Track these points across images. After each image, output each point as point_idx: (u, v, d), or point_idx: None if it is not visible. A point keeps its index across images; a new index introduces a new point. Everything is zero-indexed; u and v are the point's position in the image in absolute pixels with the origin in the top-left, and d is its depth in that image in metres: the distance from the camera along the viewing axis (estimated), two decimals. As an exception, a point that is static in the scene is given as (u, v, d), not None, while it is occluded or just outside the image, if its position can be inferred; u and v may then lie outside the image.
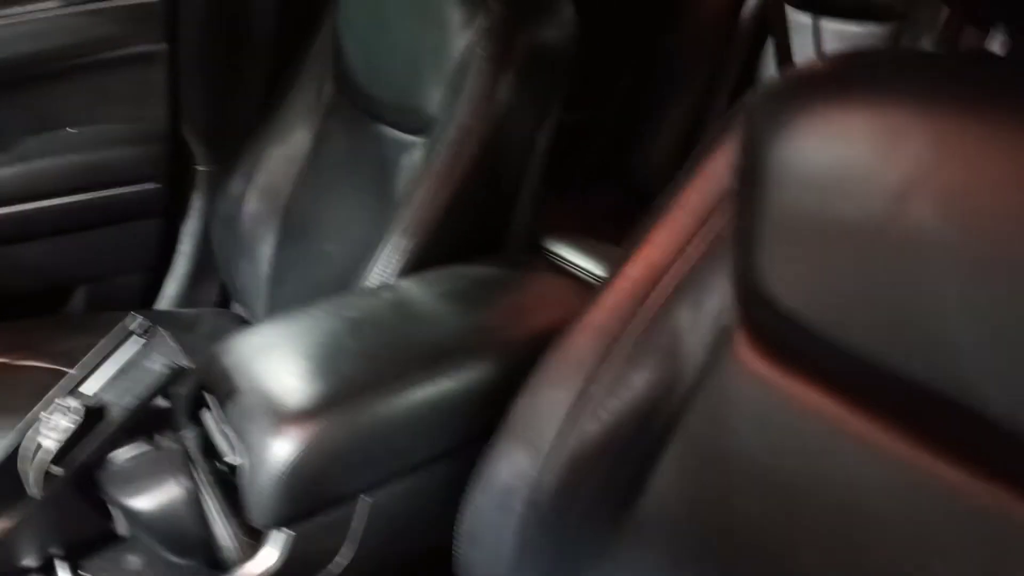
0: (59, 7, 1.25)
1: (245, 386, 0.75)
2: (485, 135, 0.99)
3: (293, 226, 1.27)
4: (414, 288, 0.92)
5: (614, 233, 1.18)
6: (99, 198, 1.33)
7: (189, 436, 0.77)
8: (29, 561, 0.75)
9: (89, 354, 0.81)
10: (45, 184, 1.30)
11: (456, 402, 0.79)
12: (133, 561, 0.78)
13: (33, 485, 0.73)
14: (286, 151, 1.29)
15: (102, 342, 0.81)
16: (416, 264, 1.00)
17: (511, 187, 1.08)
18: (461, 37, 1.02)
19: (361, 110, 1.20)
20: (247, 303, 1.32)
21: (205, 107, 1.37)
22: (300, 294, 1.22)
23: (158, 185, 1.37)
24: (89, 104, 1.32)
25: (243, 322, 1.34)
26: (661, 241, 0.71)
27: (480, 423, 0.78)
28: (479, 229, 1.06)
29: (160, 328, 0.81)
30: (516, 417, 0.71)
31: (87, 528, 0.76)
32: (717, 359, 0.66)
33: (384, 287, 0.97)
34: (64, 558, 0.77)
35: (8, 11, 1.24)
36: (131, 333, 0.80)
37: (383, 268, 1.02)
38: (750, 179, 0.63)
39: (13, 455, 0.75)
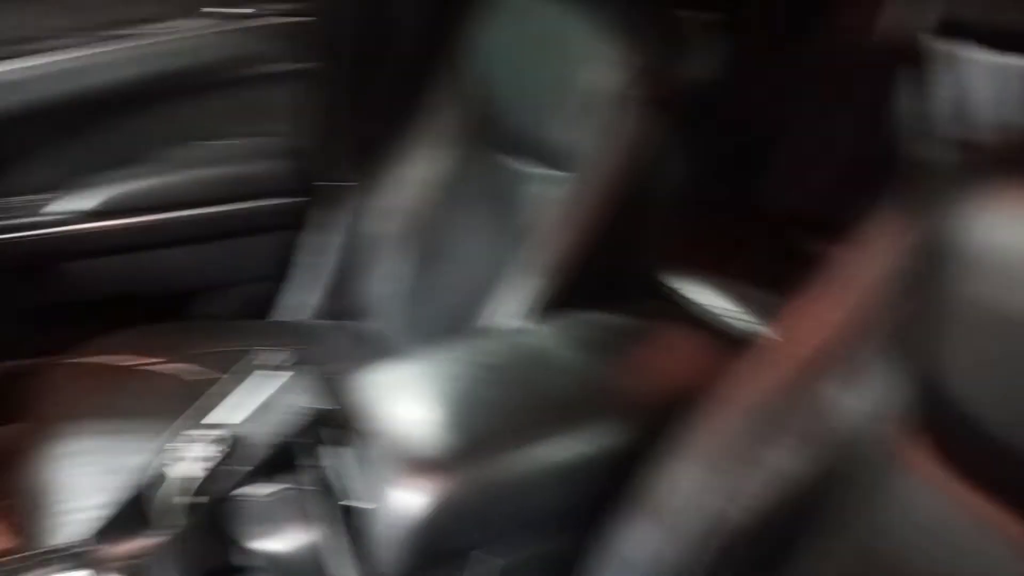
0: (214, 24, 1.31)
1: (379, 428, 0.75)
2: (630, 175, 0.97)
3: (427, 249, 1.27)
4: (549, 335, 0.90)
5: (743, 268, 1.13)
6: (238, 209, 1.38)
7: (318, 475, 0.78)
8: None
9: (227, 382, 0.83)
10: (188, 194, 1.35)
11: (584, 464, 0.77)
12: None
13: (173, 513, 0.74)
14: (421, 173, 1.30)
15: (240, 368, 0.83)
16: (548, 305, 0.98)
17: (649, 228, 1.05)
18: (610, 73, 0.99)
19: (496, 140, 1.20)
20: (376, 320, 1.34)
21: (345, 126, 1.40)
22: (430, 318, 1.23)
23: (294, 199, 1.41)
24: (234, 118, 1.37)
25: (367, 339, 1.36)
26: (816, 313, 0.67)
27: (605, 488, 0.76)
28: (614, 271, 1.04)
29: (301, 353, 0.81)
30: (648, 489, 0.68)
31: (216, 560, 0.77)
32: (878, 453, 0.61)
33: (519, 331, 0.96)
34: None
35: (165, 25, 1.30)
36: (272, 357, 0.81)
37: (510, 306, 1.01)
38: (931, 262, 0.57)
39: (147, 477, 0.77)
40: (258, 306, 1.45)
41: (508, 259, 1.06)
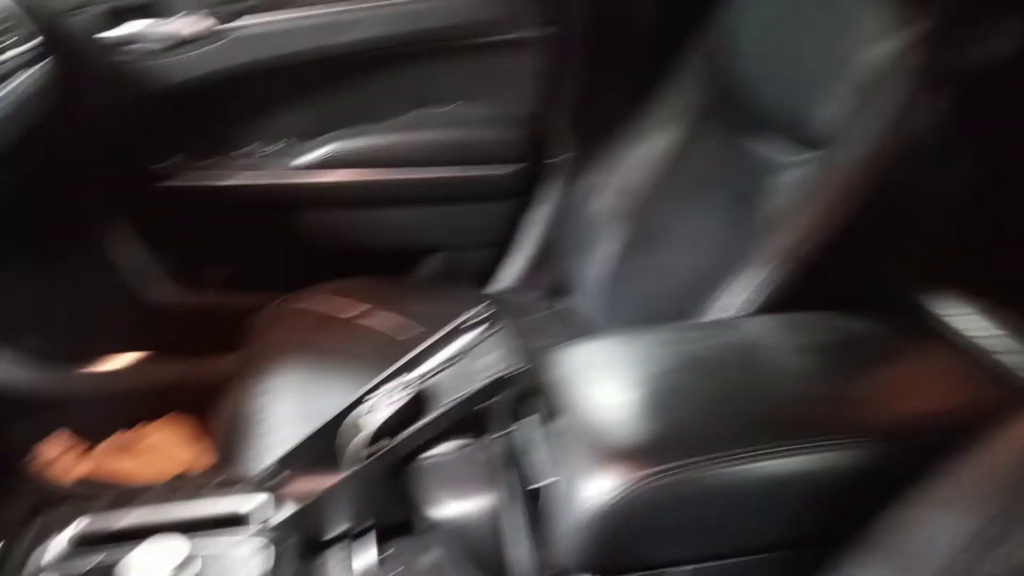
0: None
1: (573, 405, 0.70)
2: (898, 164, 0.83)
3: (642, 231, 1.20)
4: (772, 332, 0.80)
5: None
6: (462, 175, 1.38)
7: (506, 444, 0.74)
8: (340, 525, 0.77)
9: (430, 341, 0.81)
10: (418, 155, 1.37)
11: (804, 488, 0.66)
12: (433, 553, 0.77)
13: (352, 454, 0.74)
14: (647, 151, 1.22)
15: (445, 330, 0.80)
16: (777, 301, 0.87)
17: (909, 227, 0.91)
18: (883, 44, 0.86)
19: (738, 120, 1.09)
20: (582, 299, 1.29)
21: (574, 96, 1.35)
22: (638, 302, 1.16)
23: (517, 167, 1.39)
24: (467, 83, 1.37)
25: (573, 317, 1.31)
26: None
27: (825, 519, 0.65)
28: (861, 271, 0.91)
29: (504, 323, 0.78)
30: (886, 530, 0.57)
31: (397, 509, 0.76)
32: None
33: (735, 322, 0.86)
34: (372, 530, 0.78)
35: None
36: (476, 323, 0.78)
37: (734, 298, 0.91)
38: None
39: (340, 421, 0.76)
40: (469, 272, 1.45)
41: (734, 247, 0.97)
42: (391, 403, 0.73)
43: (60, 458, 1.37)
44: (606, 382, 0.72)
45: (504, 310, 1.29)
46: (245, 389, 1.06)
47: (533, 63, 1.34)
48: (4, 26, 1.12)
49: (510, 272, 1.44)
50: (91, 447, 1.41)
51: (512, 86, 1.36)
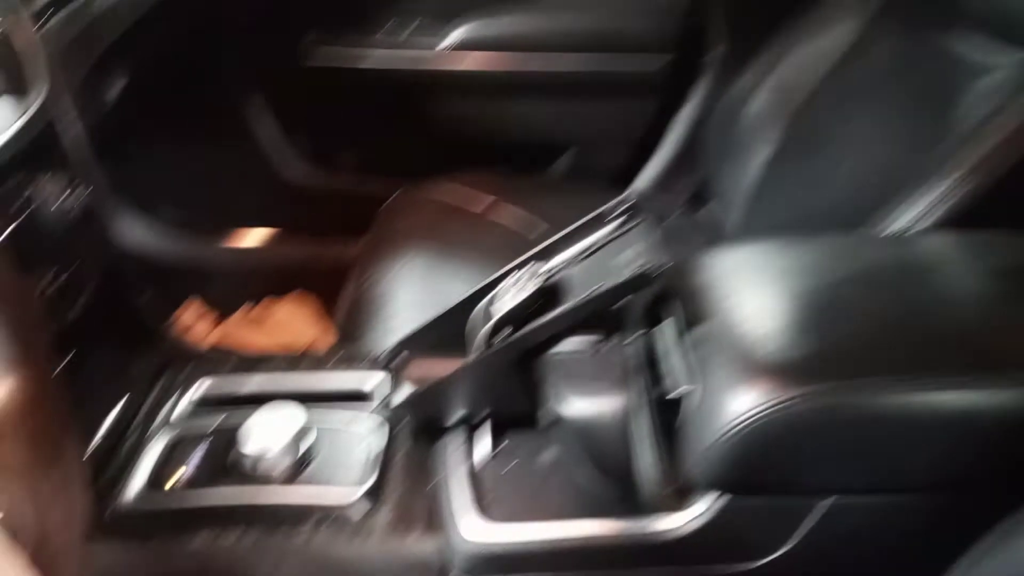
0: None
1: (718, 313, 0.63)
2: None
3: (800, 135, 1.09)
4: (953, 251, 0.70)
5: None
6: (605, 66, 1.29)
7: (639, 345, 0.68)
8: (459, 411, 0.74)
9: (567, 230, 0.75)
10: (559, 40, 1.28)
11: (975, 426, 0.58)
12: (552, 450, 0.73)
13: (478, 342, 0.70)
14: (815, 46, 1.10)
15: (582, 221, 0.74)
16: (960, 218, 0.77)
17: None
18: None
19: (929, 13, 0.96)
20: (724, 207, 1.20)
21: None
22: (791, 213, 1.06)
23: (665, 60, 1.28)
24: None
25: (716, 226, 1.23)
26: None
27: (993, 463, 0.57)
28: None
29: (645, 217, 0.71)
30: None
31: (520, 401, 0.72)
32: None
33: (910, 238, 0.76)
34: (490, 418, 0.75)
35: None
36: (614, 215, 0.72)
37: (908, 212, 0.81)
38: None
39: (468, 308, 0.73)
40: (603, 173, 1.38)
41: (909, 156, 0.86)
42: (520, 292, 0.68)
43: (192, 325, 1.42)
44: (757, 290, 0.65)
45: (635, 213, 1.24)
46: (370, 273, 1.04)
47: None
48: None
49: (648, 174, 1.36)
50: (221, 318, 1.46)
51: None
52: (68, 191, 0.65)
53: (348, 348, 0.89)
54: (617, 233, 0.73)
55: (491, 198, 1.19)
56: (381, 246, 1.10)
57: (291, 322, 1.44)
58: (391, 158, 1.43)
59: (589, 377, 0.65)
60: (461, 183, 1.24)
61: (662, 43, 1.27)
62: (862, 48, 1.04)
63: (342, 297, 1.05)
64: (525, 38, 1.28)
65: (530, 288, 0.69)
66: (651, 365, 0.67)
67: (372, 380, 0.75)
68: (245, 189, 1.44)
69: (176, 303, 1.46)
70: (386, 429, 0.71)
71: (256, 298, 1.49)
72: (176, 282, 1.46)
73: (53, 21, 0.78)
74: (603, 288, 0.66)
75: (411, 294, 0.99)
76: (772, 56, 1.14)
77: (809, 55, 1.10)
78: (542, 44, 1.28)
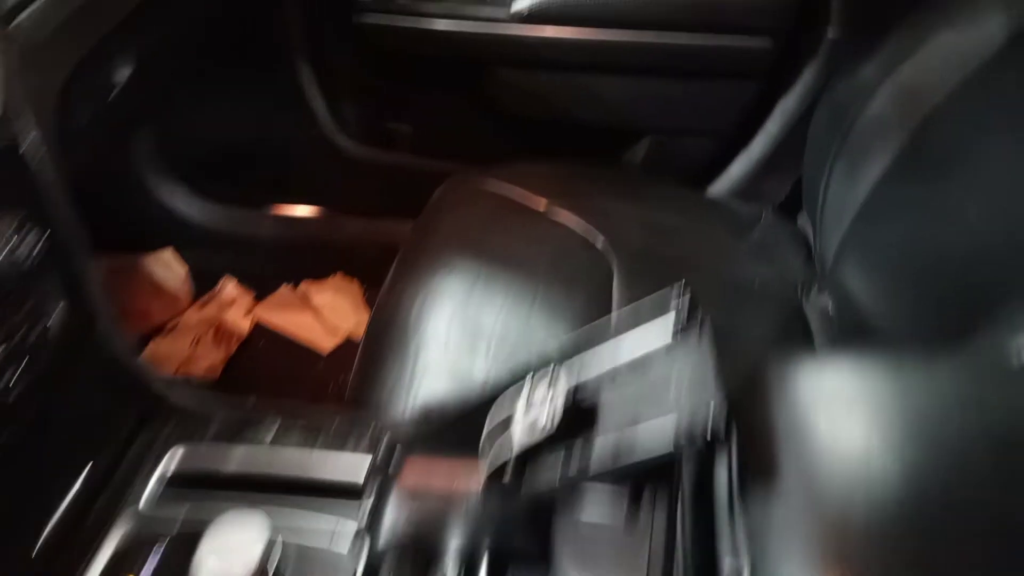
0: None
1: (792, 473, 0.47)
2: None
3: (927, 150, 0.89)
4: None
5: None
6: (699, 42, 1.09)
7: (678, 508, 0.52)
8: (457, 539, 0.60)
9: (606, 321, 0.57)
10: (660, 12, 1.08)
11: None
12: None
13: (491, 463, 0.54)
14: (953, 43, 0.89)
15: (634, 307, 0.56)
16: None
17: None
18: None
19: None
20: (823, 223, 1.02)
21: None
22: (903, 248, 0.88)
23: (772, 41, 1.08)
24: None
25: (806, 244, 1.05)
26: None
27: None
28: None
29: (707, 326, 0.52)
30: None
31: (525, 541, 0.57)
32: None
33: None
34: (489, 554, 0.60)
35: None
36: (668, 315, 0.53)
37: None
38: None
39: (482, 411, 0.56)
40: (685, 165, 1.20)
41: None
42: (545, 413, 0.52)
43: (228, 304, 1.32)
44: (851, 437, 0.49)
45: (713, 224, 1.06)
46: (402, 291, 0.90)
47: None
48: None
49: (736, 170, 1.18)
50: (258, 297, 1.36)
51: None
52: (23, 234, 0.52)
53: (357, 410, 0.76)
54: (669, 348, 0.55)
55: (553, 192, 1.03)
56: (421, 253, 0.96)
57: (330, 310, 1.32)
58: (448, 134, 1.28)
59: (605, 553, 0.50)
60: (522, 172, 1.08)
61: (766, 22, 1.07)
62: (1016, 51, 0.84)
63: (366, 330, 0.90)
64: (612, 3, 1.08)
65: (557, 411, 0.52)
66: (691, 541, 0.51)
67: (367, 467, 0.61)
68: (290, 162, 1.32)
69: (214, 278, 1.37)
70: (368, 548, 0.57)
71: (296, 279, 1.38)
72: (216, 255, 1.36)
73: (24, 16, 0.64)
74: (632, 460, 0.49)
75: (443, 333, 0.84)
76: (899, 48, 0.94)
77: (945, 52, 0.90)
78: (627, 16, 1.09)
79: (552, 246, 0.95)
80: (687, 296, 0.53)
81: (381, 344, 0.84)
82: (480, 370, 0.81)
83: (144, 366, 0.68)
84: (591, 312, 0.88)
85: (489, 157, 1.24)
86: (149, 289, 1.28)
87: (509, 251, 0.94)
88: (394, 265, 0.97)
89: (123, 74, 0.88)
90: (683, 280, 0.54)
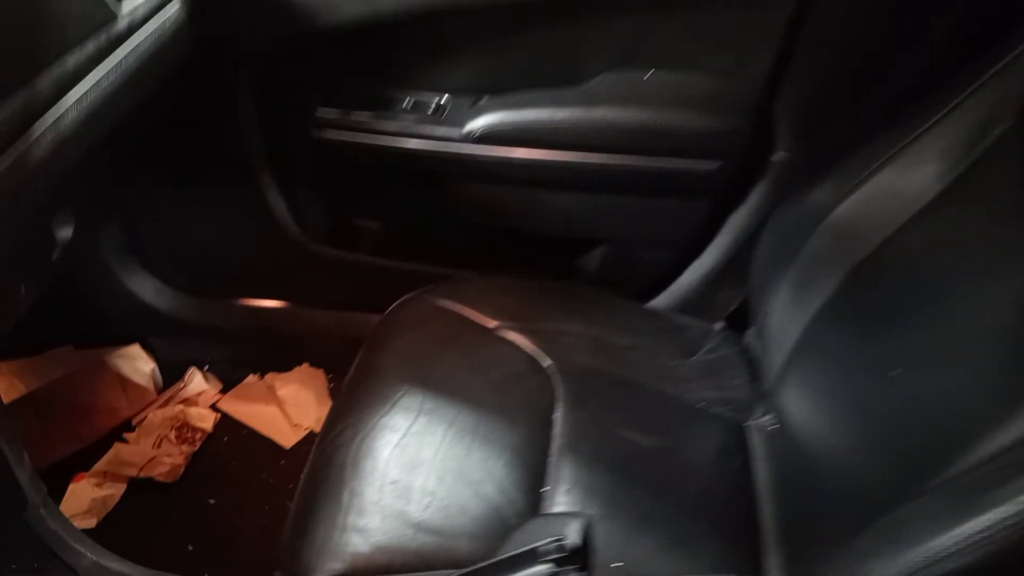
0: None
1: None
2: None
3: (860, 296, 0.88)
4: None
5: None
6: (654, 166, 1.07)
7: None
8: None
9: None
10: (604, 136, 1.06)
11: None
12: None
13: None
14: (898, 183, 0.88)
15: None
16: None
17: None
18: None
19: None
20: (764, 344, 1.00)
21: (810, 88, 1.00)
22: (836, 391, 0.86)
23: (722, 163, 1.06)
24: (678, 47, 1.03)
25: (752, 362, 1.03)
26: None
27: None
28: None
29: None
30: None
31: None
32: None
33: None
34: None
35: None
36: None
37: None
38: None
39: None
40: (637, 275, 1.18)
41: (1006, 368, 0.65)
42: None
43: (194, 398, 1.31)
44: None
45: (665, 332, 1.05)
46: (347, 425, 0.88)
47: (767, 31, 0.99)
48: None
49: (683, 284, 1.16)
50: (225, 389, 1.35)
51: (733, 56, 1.01)
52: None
53: (292, 554, 0.75)
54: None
55: (504, 311, 1.02)
56: (366, 386, 0.93)
57: (294, 401, 1.31)
58: (413, 232, 1.26)
59: None
60: (474, 289, 1.06)
61: (716, 146, 1.06)
62: (961, 199, 0.82)
63: (304, 474, 0.88)
64: (562, 128, 1.06)
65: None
66: None
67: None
68: (256, 258, 1.30)
69: (181, 370, 1.35)
70: None
71: (262, 369, 1.36)
72: (182, 347, 1.35)
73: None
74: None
75: (380, 474, 0.82)
76: (843, 181, 0.92)
77: (886, 193, 0.88)
78: (577, 140, 1.07)
79: (498, 372, 0.94)
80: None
81: (316, 491, 0.82)
82: (414, 514, 0.79)
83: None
84: (531, 445, 0.87)
85: (450, 259, 1.23)
86: (116, 385, 1.26)
87: (454, 380, 0.93)
88: (340, 395, 0.96)
89: (67, 232, 0.86)
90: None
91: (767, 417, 0.98)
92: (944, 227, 0.82)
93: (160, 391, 1.32)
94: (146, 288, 1.30)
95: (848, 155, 0.93)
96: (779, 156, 1.05)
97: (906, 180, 0.87)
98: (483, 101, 1.10)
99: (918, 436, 0.73)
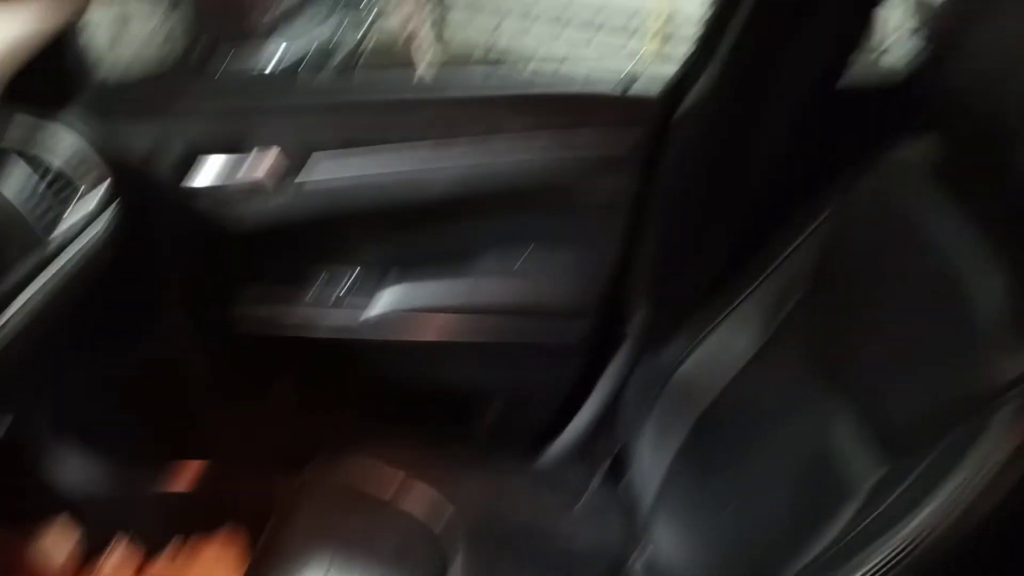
0: (537, 145, 1.14)
1: None
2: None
3: (704, 442, 1.02)
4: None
5: None
6: (528, 332, 1.24)
7: None
8: None
9: None
10: (483, 299, 1.23)
11: None
12: None
13: None
14: (727, 344, 1.03)
15: None
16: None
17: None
18: (1002, 359, 0.65)
19: (825, 364, 0.89)
20: (636, 488, 1.12)
21: (658, 262, 1.17)
22: (697, 524, 0.98)
23: (589, 327, 1.23)
24: (549, 235, 1.21)
25: (630, 503, 1.15)
26: None
27: None
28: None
29: None
30: None
31: None
32: None
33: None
34: None
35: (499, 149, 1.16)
36: None
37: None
38: None
39: None
40: (524, 429, 1.31)
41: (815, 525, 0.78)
42: None
43: (116, 570, 1.35)
44: None
45: (533, 490, 1.16)
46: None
47: (620, 220, 1.17)
48: (75, 168, 1.06)
49: (568, 436, 1.29)
50: (148, 555, 1.39)
51: (595, 240, 1.20)
52: None
53: None
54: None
55: (401, 474, 1.11)
56: (271, 559, 1.01)
57: (219, 565, 1.36)
58: (318, 405, 1.37)
59: None
60: (376, 453, 1.16)
61: (584, 310, 1.22)
62: (768, 362, 0.98)
63: None
64: (450, 304, 1.23)
65: None
66: None
67: None
68: (177, 421, 1.38)
69: (103, 540, 1.39)
70: None
71: (186, 533, 1.42)
72: (104, 517, 1.40)
73: None
74: None
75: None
76: (687, 341, 1.08)
77: (718, 350, 1.04)
78: (468, 306, 1.23)
79: (392, 547, 1.02)
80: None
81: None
82: None
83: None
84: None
85: (354, 434, 1.33)
86: (37, 565, 1.30)
87: (351, 556, 1.00)
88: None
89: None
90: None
91: (643, 556, 1.09)
92: (759, 384, 0.97)
93: (82, 564, 1.35)
94: (67, 461, 1.36)
95: (691, 315, 1.09)
96: (638, 316, 1.21)
97: (735, 339, 1.02)
98: (383, 290, 1.24)
99: (759, 558, 0.85)
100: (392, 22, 3.19)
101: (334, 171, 1.15)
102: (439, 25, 3.77)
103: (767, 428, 0.92)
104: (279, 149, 1.15)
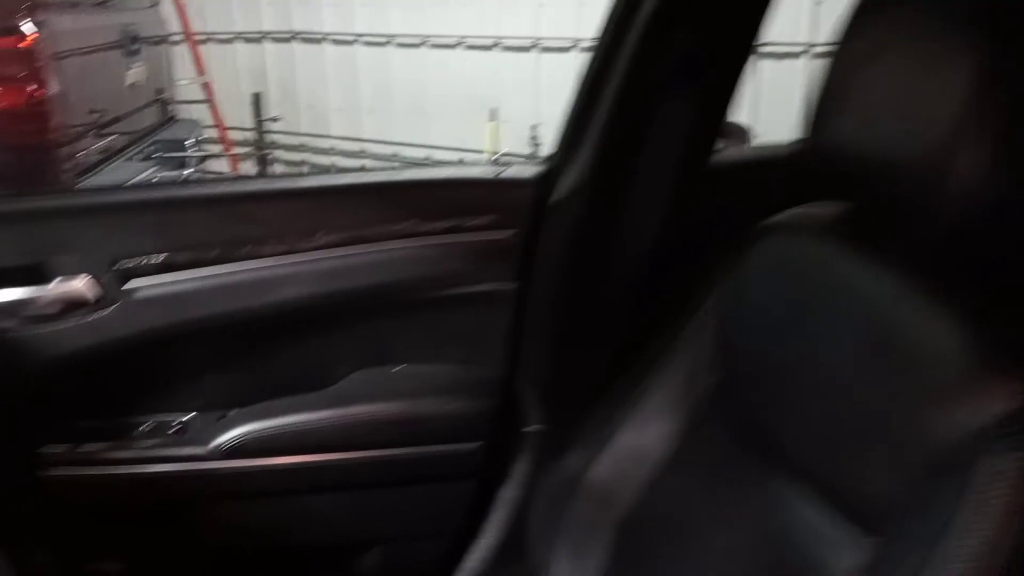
0: (414, 242, 1.03)
1: None
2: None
3: (635, 552, 0.89)
4: None
5: None
6: (411, 452, 1.07)
7: None
8: None
9: None
10: (362, 434, 1.05)
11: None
12: None
13: None
14: (638, 442, 0.91)
15: None
16: None
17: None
18: (964, 405, 0.58)
19: (748, 439, 0.80)
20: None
21: (546, 360, 1.06)
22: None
23: (479, 443, 1.08)
24: (423, 343, 1.08)
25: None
26: None
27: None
28: None
29: None
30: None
31: None
32: None
33: None
34: None
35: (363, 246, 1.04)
36: None
37: None
38: None
39: None
40: (416, 569, 1.12)
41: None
42: None
43: None
44: None
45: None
46: None
47: (502, 321, 1.06)
48: None
49: (472, 564, 1.11)
50: None
51: (478, 347, 1.07)
52: None
53: None
54: None
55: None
56: None
57: None
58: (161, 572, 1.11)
59: None
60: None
61: (470, 428, 1.07)
62: (688, 453, 0.87)
63: None
64: (318, 430, 1.04)
65: None
66: None
67: None
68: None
69: None
70: None
71: None
72: None
73: None
74: None
75: None
76: (590, 447, 0.95)
77: (628, 452, 0.92)
78: (330, 441, 1.04)
79: None
80: None
81: None
82: None
83: None
84: None
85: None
86: None
87: None
88: None
89: None
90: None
91: None
92: (683, 480, 0.86)
93: None
94: None
95: (590, 418, 0.98)
96: (532, 428, 1.08)
97: (645, 438, 0.91)
98: (232, 414, 1.05)
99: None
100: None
101: (164, 279, 0.98)
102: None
103: (704, 527, 0.80)
104: (88, 277, 0.96)
